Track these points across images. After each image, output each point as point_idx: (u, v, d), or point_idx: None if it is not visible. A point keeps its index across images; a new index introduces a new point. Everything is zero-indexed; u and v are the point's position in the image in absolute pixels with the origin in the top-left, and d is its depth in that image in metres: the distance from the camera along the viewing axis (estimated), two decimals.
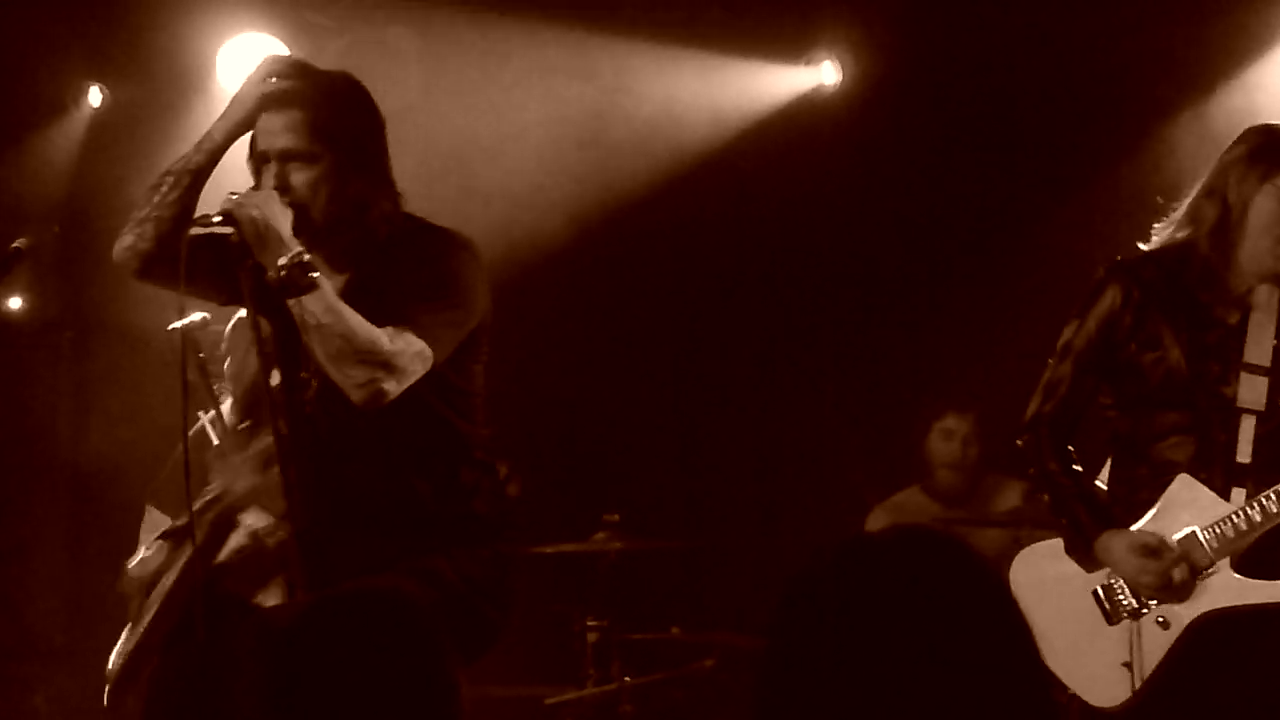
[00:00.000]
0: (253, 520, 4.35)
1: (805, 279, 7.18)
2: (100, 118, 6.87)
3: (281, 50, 6.31)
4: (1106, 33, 6.32)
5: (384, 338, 3.91)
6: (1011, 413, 6.55)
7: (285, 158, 3.93)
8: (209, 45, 6.47)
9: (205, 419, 4.58)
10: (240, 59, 6.32)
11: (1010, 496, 6.17)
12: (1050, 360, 4.33)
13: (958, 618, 1.82)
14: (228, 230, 3.86)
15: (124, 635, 4.59)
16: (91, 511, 6.53)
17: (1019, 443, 4.37)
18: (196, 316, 4.27)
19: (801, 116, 6.90)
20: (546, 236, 6.75)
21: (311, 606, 2.72)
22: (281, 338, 4.09)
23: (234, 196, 3.88)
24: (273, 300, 3.93)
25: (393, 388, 3.89)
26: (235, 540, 4.37)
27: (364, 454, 4.07)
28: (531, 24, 6.58)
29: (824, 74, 6.85)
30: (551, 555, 5.97)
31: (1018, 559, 4.46)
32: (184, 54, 6.57)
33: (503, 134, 6.63)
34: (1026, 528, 5.53)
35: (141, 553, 4.59)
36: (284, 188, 3.92)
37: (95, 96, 6.84)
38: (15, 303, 6.51)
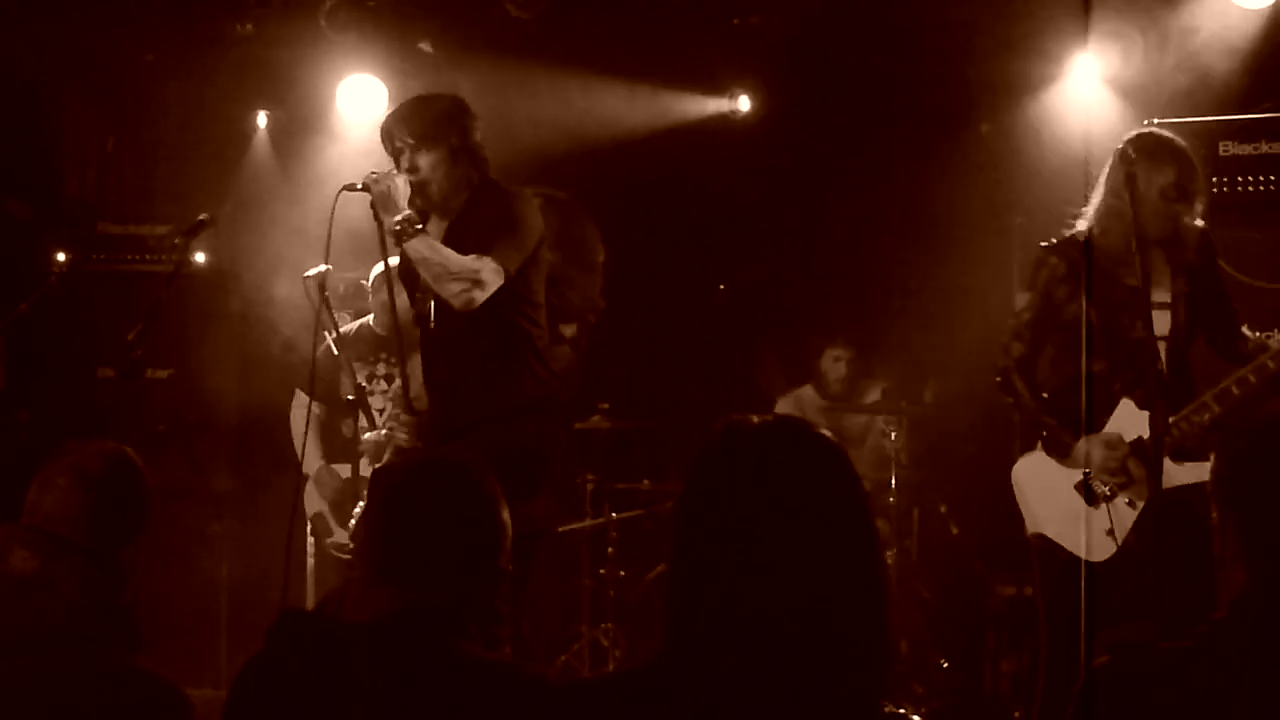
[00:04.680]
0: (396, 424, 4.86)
1: (734, 243, 7.89)
2: (260, 133, 7.47)
3: (380, 88, 6.87)
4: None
5: (469, 260, 4.16)
6: (880, 342, 7.14)
7: (412, 151, 4.37)
8: (332, 81, 7.07)
9: (329, 339, 5.19)
10: (353, 95, 7.01)
11: (873, 393, 7.14)
12: (1010, 320, 4.58)
13: (812, 478, 1.89)
14: (365, 192, 4.29)
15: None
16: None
17: (997, 379, 4.55)
18: (323, 267, 4.69)
19: (718, 128, 7.56)
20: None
21: (411, 466, 2.75)
22: (405, 270, 4.50)
23: (373, 174, 4.36)
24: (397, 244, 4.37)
25: (479, 295, 4.18)
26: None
27: (463, 349, 4.40)
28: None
29: (740, 104, 7.66)
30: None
31: (1018, 466, 4.62)
32: (316, 87, 7.11)
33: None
34: (883, 413, 6.81)
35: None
36: (413, 169, 4.36)
37: (262, 119, 7.49)
38: (200, 257, 6.76)
